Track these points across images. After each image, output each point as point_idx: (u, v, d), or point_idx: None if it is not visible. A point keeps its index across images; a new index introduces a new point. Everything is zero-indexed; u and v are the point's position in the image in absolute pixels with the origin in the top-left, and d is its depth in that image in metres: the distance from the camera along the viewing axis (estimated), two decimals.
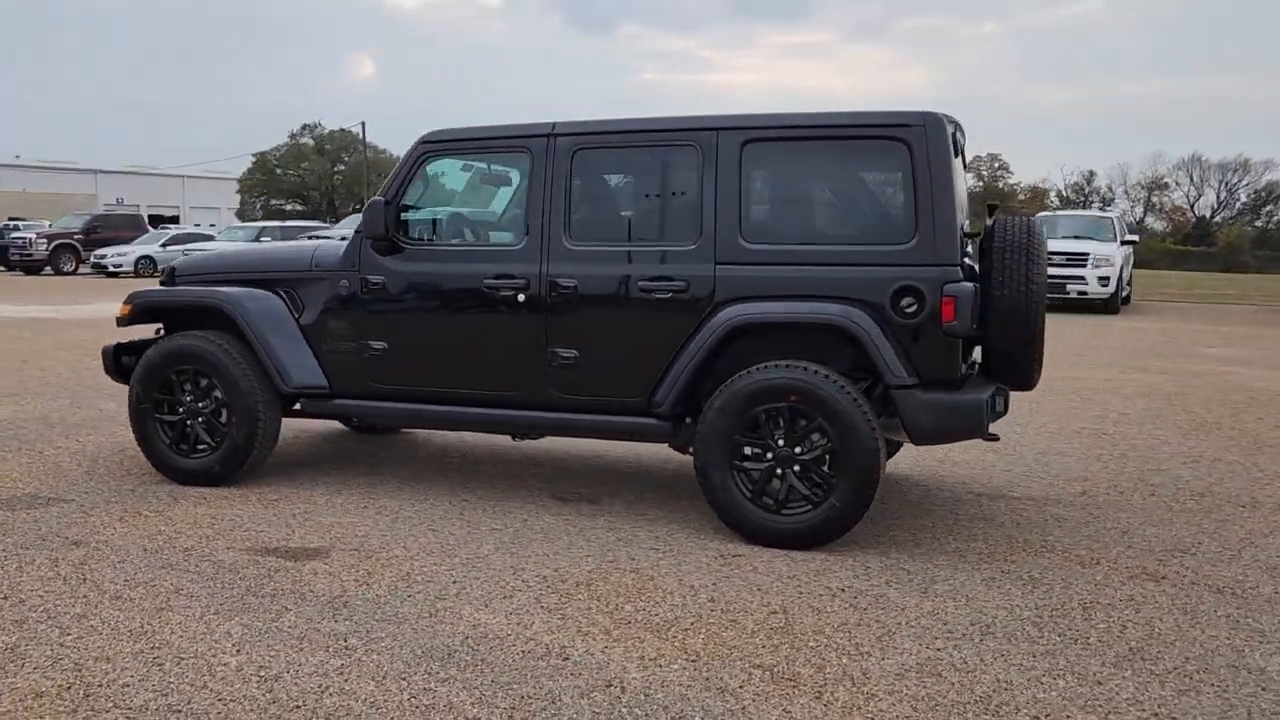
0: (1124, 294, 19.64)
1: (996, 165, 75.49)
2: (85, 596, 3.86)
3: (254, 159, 60.37)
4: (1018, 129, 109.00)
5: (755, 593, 4.01)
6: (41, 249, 30.98)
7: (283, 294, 5.40)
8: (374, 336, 5.20)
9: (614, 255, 4.83)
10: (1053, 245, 19.39)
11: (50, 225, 33.71)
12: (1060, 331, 15.35)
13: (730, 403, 4.52)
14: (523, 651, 3.42)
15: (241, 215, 58.34)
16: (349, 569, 4.20)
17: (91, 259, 30.12)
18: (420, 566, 4.24)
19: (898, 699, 3.13)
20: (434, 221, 5.30)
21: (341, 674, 3.22)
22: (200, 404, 5.42)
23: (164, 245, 29.47)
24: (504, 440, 6.41)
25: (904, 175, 4.46)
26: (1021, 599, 3.99)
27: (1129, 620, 3.79)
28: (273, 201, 59.89)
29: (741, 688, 3.18)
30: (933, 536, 4.80)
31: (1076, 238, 20.01)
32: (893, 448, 5.77)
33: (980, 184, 72.45)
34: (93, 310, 16.90)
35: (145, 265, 28.51)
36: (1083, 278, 18.74)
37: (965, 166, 5.43)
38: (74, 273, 30.97)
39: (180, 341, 5.41)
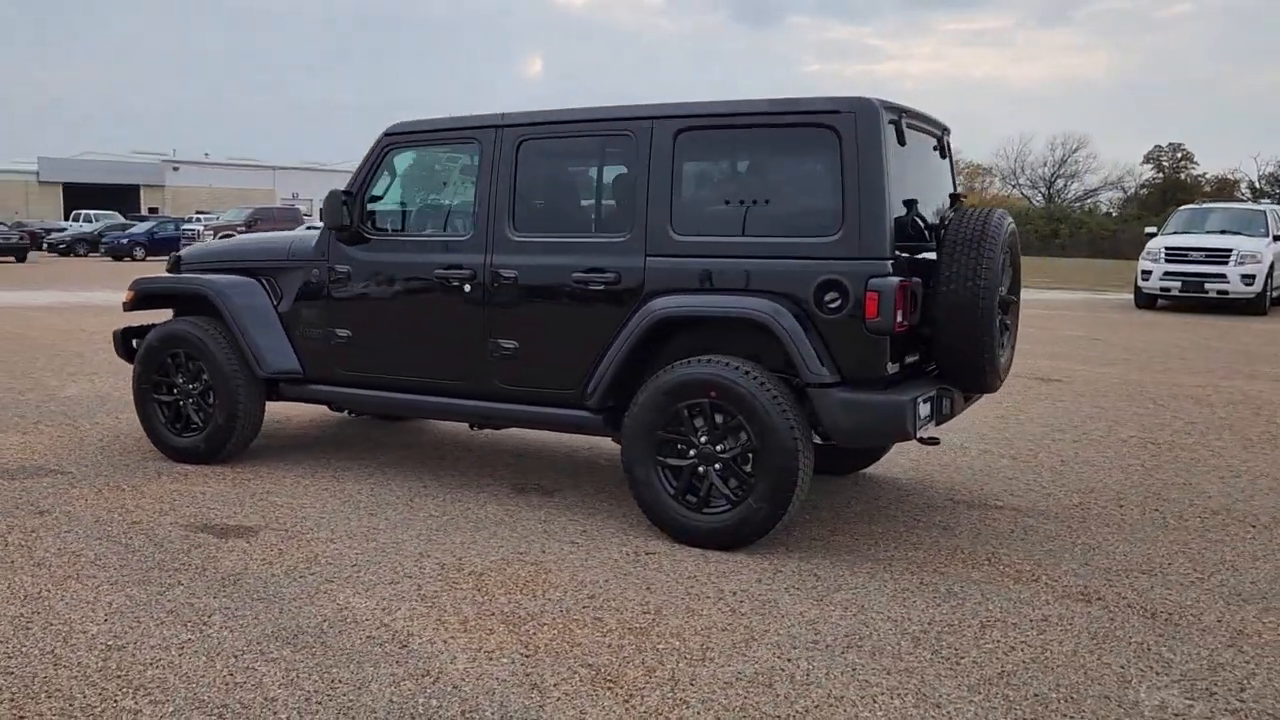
0: (1275, 294, 18.16)
1: (1179, 156, 70.85)
2: (12, 561, 4.12)
3: None
4: (1209, 117, 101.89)
5: (641, 591, 3.92)
6: (209, 240, 33.16)
7: (264, 282, 5.61)
8: (340, 324, 5.35)
9: (553, 246, 4.81)
10: (1192, 241, 18.20)
11: (218, 218, 36.00)
12: (1181, 332, 14.36)
13: (653, 397, 4.43)
14: (368, 637, 3.46)
15: None
16: (265, 548, 4.33)
17: None
18: (333, 550, 4.34)
19: (708, 707, 3.01)
20: (395, 213, 5.40)
21: (181, 649, 3.34)
22: (191, 385, 5.70)
23: None
24: (498, 430, 6.46)
25: (833, 165, 4.26)
26: (921, 612, 3.77)
27: (1022, 642, 3.53)
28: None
29: (555, 686, 3.13)
30: (874, 543, 4.58)
31: (1223, 232, 18.63)
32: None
33: (1160, 176, 68.31)
34: None
35: None
36: (1224, 275, 17.43)
37: (947, 156, 5.16)
38: None
39: (173, 326, 5.70)
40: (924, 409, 4.29)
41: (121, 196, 57.35)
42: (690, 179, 4.63)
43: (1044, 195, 70.97)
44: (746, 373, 4.26)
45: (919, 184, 4.70)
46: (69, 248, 36.97)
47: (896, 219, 4.31)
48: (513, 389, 4.91)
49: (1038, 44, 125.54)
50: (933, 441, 4.48)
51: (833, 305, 4.20)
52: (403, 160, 5.33)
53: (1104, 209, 67.23)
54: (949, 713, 3.01)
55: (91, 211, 44.56)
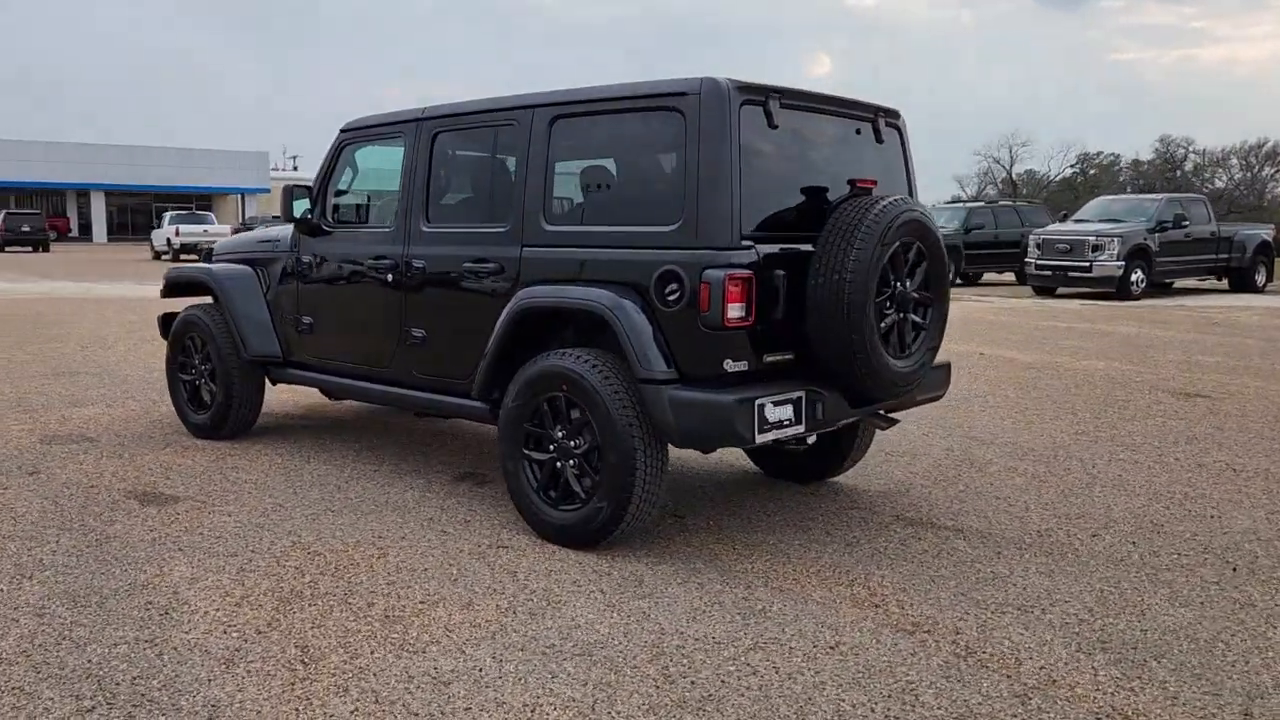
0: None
1: None
2: None
3: None
4: None
5: (445, 583, 3.91)
6: None
7: (259, 271, 6.01)
8: (304, 312, 5.66)
9: (452, 237, 4.87)
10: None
11: None
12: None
13: (518, 390, 4.39)
14: (146, 603, 3.66)
15: None
16: (165, 516, 4.67)
17: None
18: (219, 521, 4.61)
19: (362, 697, 2.98)
20: (347, 206, 5.62)
21: None
22: (204, 366, 6.21)
23: None
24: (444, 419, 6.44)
25: (679, 150, 4.04)
26: (702, 628, 3.52)
27: (762, 670, 3.22)
28: None
29: (250, 663, 3.19)
30: (746, 553, 4.30)
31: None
32: (863, 439, 5.16)
33: None
34: None
35: None
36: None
37: (890, 142, 4.76)
38: None
39: (189, 312, 6.24)
40: (775, 412, 3.98)
41: None
42: (562, 168, 4.54)
43: None
44: (594, 367, 4.13)
45: (820, 172, 4.37)
46: None
47: (766, 207, 4.04)
48: (424, 377, 5.01)
49: None
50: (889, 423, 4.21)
51: (672, 297, 3.99)
52: (355, 155, 5.55)
53: None
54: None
55: None
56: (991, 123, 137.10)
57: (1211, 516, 4.96)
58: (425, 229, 4.95)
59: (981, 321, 14.23)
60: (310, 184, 5.57)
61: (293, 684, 3.06)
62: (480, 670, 3.17)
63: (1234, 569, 4.23)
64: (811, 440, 5.31)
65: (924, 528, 4.70)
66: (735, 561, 4.21)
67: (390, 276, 5.07)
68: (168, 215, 36.64)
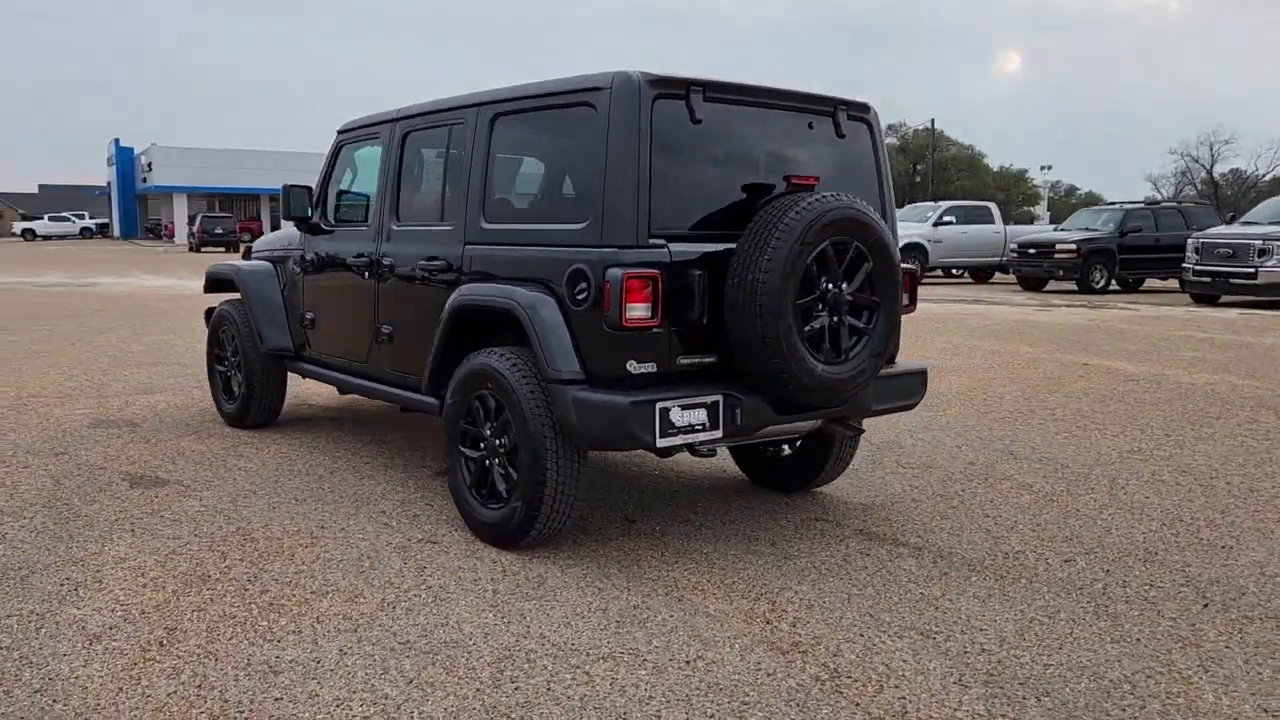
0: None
1: None
2: None
3: None
4: None
5: (350, 575, 3.95)
6: None
7: (278, 269, 6.26)
8: (307, 308, 5.85)
9: (413, 235, 4.93)
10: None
11: None
12: None
13: (454, 387, 4.41)
14: (63, 580, 3.86)
15: None
16: (145, 498, 4.91)
17: None
18: (186, 506, 4.81)
19: (191, 682, 3.05)
20: (341, 205, 5.76)
21: None
22: (234, 358, 6.51)
23: None
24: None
25: (591, 146, 3.96)
26: (563, 636, 3.43)
27: (597, 675, 3.11)
28: None
29: (107, 640, 3.32)
30: (662, 559, 4.17)
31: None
32: (843, 450, 4.94)
33: None
34: None
35: None
36: None
37: (846, 135, 4.53)
38: None
39: (221, 307, 6.55)
40: (683, 416, 3.84)
41: None
42: (499, 166, 4.52)
43: None
44: (514, 366, 4.10)
45: (760, 168, 4.20)
46: None
47: (689, 205, 3.93)
48: (391, 372, 5.10)
49: None
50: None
51: (580, 297, 3.92)
52: (349, 155, 5.69)
53: None
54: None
55: None
56: (1188, 119, 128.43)
57: (1224, 547, 4.48)
58: (395, 228, 5.04)
59: (1108, 330, 13.34)
60: (311, 184, 5.74)
61: (136, 664, 3.16)
62: (319, 662, 3.19)
63: (1205, 604, 3.80)
64: (787, 450, 5.12)
65: (881, 544, 4.44)
66: (654, 569, 4.08)
67: (366, 274, 5.18)
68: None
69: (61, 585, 3.80)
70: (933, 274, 26.00)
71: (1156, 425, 7.09)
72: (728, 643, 3.39)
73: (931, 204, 27.38)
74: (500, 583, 3.89)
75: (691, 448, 3.97)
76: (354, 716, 2.86)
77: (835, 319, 4.03)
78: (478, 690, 3.02)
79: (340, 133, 5.66)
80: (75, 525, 4.50)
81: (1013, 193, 63.52)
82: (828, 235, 3.90)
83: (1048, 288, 22.59)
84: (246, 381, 6.28)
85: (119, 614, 3.53)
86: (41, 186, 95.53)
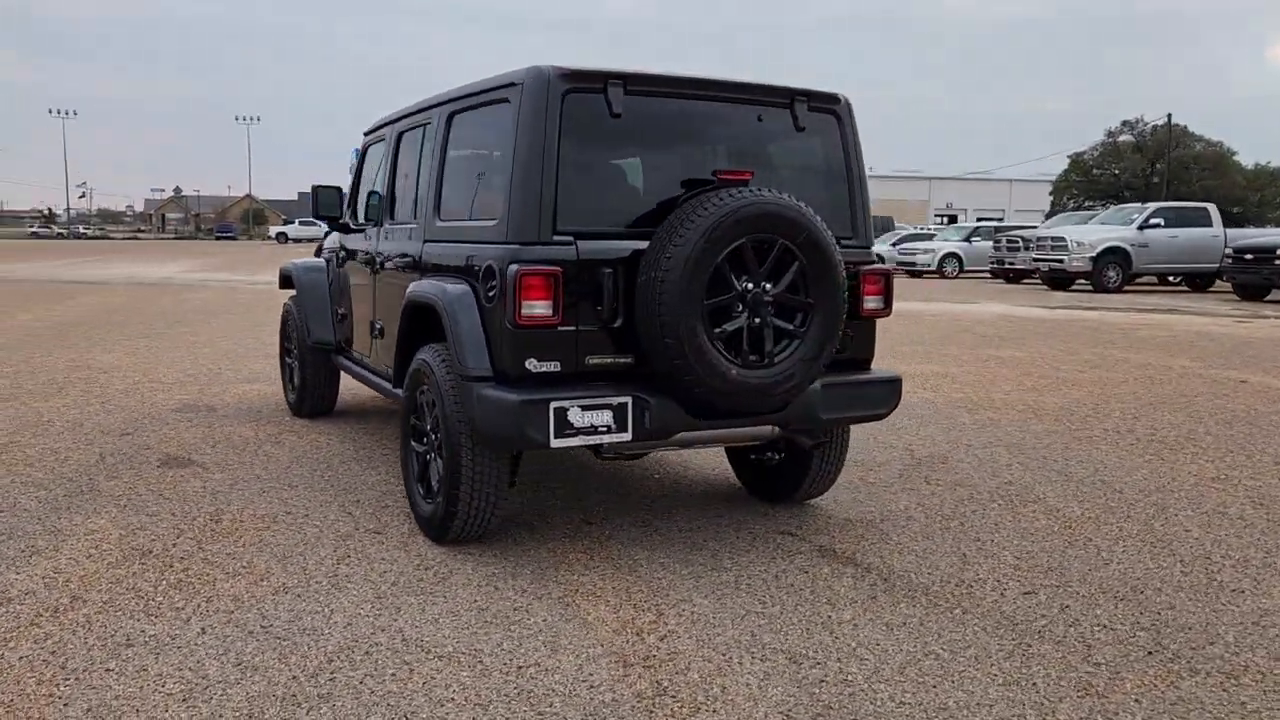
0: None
1: None
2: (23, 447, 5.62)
3: (1069, 160, 59.18)
4: None
5: (273, 560, 4.08)
6: None
7: (330, 266, 6.56)
8: (339, 303, 6.11)
9: (395, 233, 5.05)
10: None
11: None
12: None
13: (406, 383, 4.49)
14: (24, 548, 4.17)
15: (1049, 218, 57.54)
16: (158, 477, 5.27)
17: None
18: (190, 487, 5.12)
19: (33, 641, 3.25)
20: (363, 205, 5.94)
21: None
22: (296, 351, 6.89)
23: (893, 245, 31.56)
24: None
25: (506, 143, 3.93)
26: (428, 629, 3.42)
27: (422, 671, 3.08)
28: (1086, 202, 57.85)
29: (11, 600, 3.58)
30: (586, 564, 4.08)
31: None
32: (826, 462, 4.73)
33: None
34: None
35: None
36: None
37: (805, 128, 4.31)
38: None
39: (286, 302, 6.94)
40: (584, 417, 3.75)
41: None
42: (450, 164, 4.54)
43: None
44: (444, 362, 4.13)
45: (696, 163, 4.06)
46: None
47: (605, 201, 3.85)
48: (381, 365, 5.24)
49: None
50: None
51: (490, 294, 3.90)
52: (373, 155, 5.88)
53: None
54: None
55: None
56: None
57: (1234, 591, 3.93)
58: (388, 225, 5.18)
59: None
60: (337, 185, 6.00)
61: (19, 628, 3.38)
62: (173, 639, 3.32)
63: (1150, 652, 3.35)
64: (777, 459, 4.91)
65: (832, 563, 4.17)
66: (567, 573, 4.00)
67: (370, 271, 5.35)
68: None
69: (22, 552, 4.12)
70: (1140, 281, 24.11)
71: (1270, 452, 6.30)
72: (576, 651, 3.27)
73: (1138, 205, 25.35)
74: (404, 576, 3.91)
75: (598, 450, 3.87)
76: (161, 693, 2.95)
77: (757, 320, 3.82)
78: (293, 678, 3.05)
79: (365, 134, 5.87)
80: (81, 499, 4.88)
81: (1269, 194, 57.86)
82: (742, 232, 3.70)
83: (1269, 297, 20.43)
84: (300, 373, 6.62)
85: (43, 581, 3.80)
86: (300, 193, 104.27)
